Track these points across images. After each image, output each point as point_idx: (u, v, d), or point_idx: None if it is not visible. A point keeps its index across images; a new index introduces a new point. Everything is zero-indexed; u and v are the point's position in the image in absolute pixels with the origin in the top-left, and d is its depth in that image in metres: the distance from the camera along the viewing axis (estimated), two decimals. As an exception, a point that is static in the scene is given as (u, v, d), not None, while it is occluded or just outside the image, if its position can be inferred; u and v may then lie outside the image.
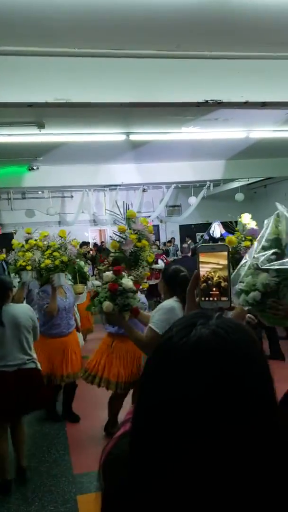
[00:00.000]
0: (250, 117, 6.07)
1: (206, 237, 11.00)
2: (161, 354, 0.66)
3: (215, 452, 0.60)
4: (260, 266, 1.96)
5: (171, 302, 2.68)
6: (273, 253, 2.01)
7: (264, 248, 2.07)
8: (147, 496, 0.63)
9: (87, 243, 11.17)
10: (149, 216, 14.49)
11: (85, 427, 4.34)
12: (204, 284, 0.92)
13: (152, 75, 4.08)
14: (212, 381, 0.61)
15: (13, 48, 3.71)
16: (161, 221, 15.88)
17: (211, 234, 10.80)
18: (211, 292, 0.91)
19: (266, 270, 1.96)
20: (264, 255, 2.01)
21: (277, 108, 4.66)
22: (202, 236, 12.65)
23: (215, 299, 0.91)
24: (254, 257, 2.05)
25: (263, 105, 4.37)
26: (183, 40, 3.86)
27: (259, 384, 0.63)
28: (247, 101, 4.26)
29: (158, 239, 15.31)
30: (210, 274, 0.92)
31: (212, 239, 10.32)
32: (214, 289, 0.91)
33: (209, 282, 0.92)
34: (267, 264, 1.96)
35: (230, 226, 5.55)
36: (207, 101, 4.18)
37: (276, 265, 1.95)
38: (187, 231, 15.34)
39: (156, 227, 16.42)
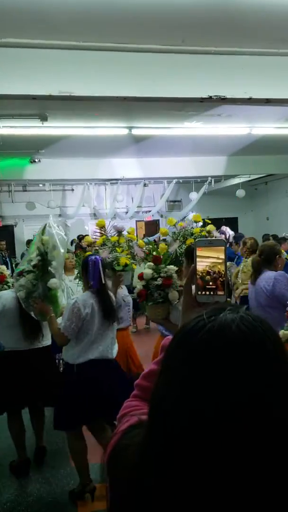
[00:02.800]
0: (253, 113, 6.06)
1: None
2: (188, 330, 0.67)
3: (237, 439, 0.60)
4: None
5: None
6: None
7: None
8: (157, 490, 0.64)
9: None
10: (150, 211, 14.51)
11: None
12: (201, 278, 0.93)
13: (156, 69, 4.08)
14: (236, 362, 0.62)
15: (18, 40, 3.70)
16: (161, 216, 15.85)
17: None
18: (207, 286, 0.92)
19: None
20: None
21: (281, 105, 4.65)
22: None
23: (212, 293, 0.92)
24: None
25: (267, 101, 4.37)
26: (188, 35, 3.85)
27: (279, 369, 0.64)
28: (251, 98, 4.26)
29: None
30: (207, 268, 0.93)
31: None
32: (210, 283, 0.92)
33: (206, 276, 0.92)
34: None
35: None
36: (210, 97, 4.18)
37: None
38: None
39: (157, 222, 16.43)
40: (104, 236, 4.27)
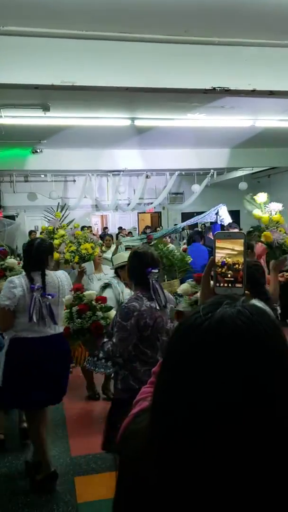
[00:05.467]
0: (256, 106, 6.01)
1: (218, 225, 9.89)
2: (186, 327, 0.68)
3: (235, 432, 0.61)
4: None
5: None
6: None
7: None
8: (164, 470, 0.65)
9: (88, 227, 11.15)
10: (151, 203, 14.48)
11: (85, 410, 4.40)
12: (220, 270, 0.93)
13: (159, 60, 4.04)
14: (233, 357, 0.62)
15: (20, 29, 3.67)
16: (163, 208, 15.83)
17: (220, 221, 9.96)
18: (226, 278, 0.93)
19: None
20: None
21: (284, 97, 4.61)
22: (204, 225, 12.31)
23: (230, 285, 0.92)
24: None
25: (271, 93, 4.33)
26: (192, 25, 3.81)
27: (278, 365, 0.64)
28: (255, 89, 4.22)
29: (160, 225, 15.27)
30: (225, 260, 0.93)
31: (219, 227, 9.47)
32: (229, 275, 0.92)
33: (225, 268, 0.93)
34: None
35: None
36: (214, 88, 4.14)
37: None
38: (189, 218, 15.29)
39: (158, 214, 16.41)
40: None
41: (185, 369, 0.64)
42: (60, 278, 3.17)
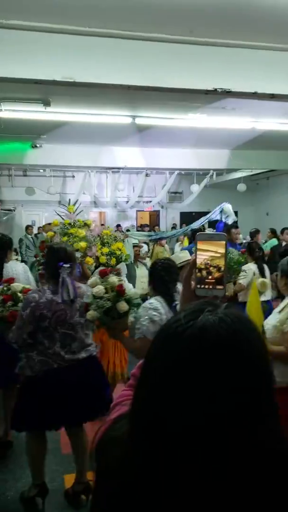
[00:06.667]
0: (257, 108, 6.01)
1: (221, 223, 9.23)
2: (166, 336, 0.67)
3: (223, 445, 0.60)
4: None
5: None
6: None
7: None
8: (142, 477, 0.64)
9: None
10: (150, 201, 14.47)
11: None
12: (200, 272, 0.92)
13: (162, 59, 4.03)
14: (214, 365, 0.62)
15: (22, 23, 3.65)
16: (162, 207, 15.82)
17: (224, 219, 9.30)
18: (206, 280, 0.92)
19: None
20: None
21: (286, 101, 4.61)
22: (203, 226, 12.13)
23: (211, 287, 0.91)
24: None
25: (272, 96, 4.33)
26: (196, 26, 3.80)
27: (258, 373, 0.64)
28: (256, 92, 4.22)
29: (158, 224, 15.26)
30: (206, 262, 0.92)
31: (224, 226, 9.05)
32: (210, 277, 0.92)
33: (206, 270, 0.92)
34: None
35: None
36: (216, 89, 4.14)
37: None
38: (187, 218, 15.30)
39: (157, 213, 16.39)
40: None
41: (168, 380, 0.63)
42: (16, 270, 3.25)
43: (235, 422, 0.61)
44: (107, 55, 3.93)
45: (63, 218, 4.22)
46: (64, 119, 6.80)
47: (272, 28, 3.84)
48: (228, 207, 8.65)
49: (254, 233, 8.29)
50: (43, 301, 2.57)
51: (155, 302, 2.57)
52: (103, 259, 3.64)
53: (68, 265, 2.62)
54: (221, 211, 9.61)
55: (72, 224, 4.09)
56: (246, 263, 4.57)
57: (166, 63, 4.04)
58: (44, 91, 5.28)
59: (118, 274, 3.48)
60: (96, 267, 3.78)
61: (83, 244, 3.84)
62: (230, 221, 7.90)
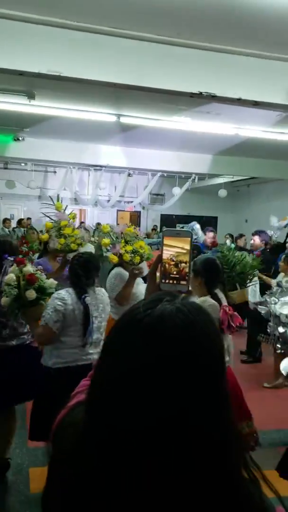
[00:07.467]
0: (241, 115, 6.09)
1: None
2: (124, 324, 0.68)
3: (168, 425, 0.61)
4: None
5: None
6: None
7: None
8: (93, 465, 0.64)
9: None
10: (132, 202, 14.47)
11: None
12: (165, 267, 0.95)
13: (149, 59, 4.05)
14: (170, 353, 0.62)
15: (8, 12, 3.60)
16: (143, 208, 15.85)
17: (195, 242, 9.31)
18: (171, 275, 0.94)
19: None
20: None
21: (268, 109, 4.70)
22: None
23: (175, 282, 0.94)
24: None
25: (255, 104, 4.40)
26: (184, 28, 3.83)
27: (213, 364, 0.65)
28: (240, 98, 4.28)
29: (139, 225, 15.27)
30: (172, 258, 0.95)
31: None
32: (174, 272, 0.94)
33: (170, 265, 0.95)
34: None
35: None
36: (201, 93, 4.18)
37: None
38: (168, 221, 15.38)
39: (138, 214, 16.41)
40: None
41: (123, 368, 0.64)
42: None
43: (191, 411, 0.61)
44: (94, 51, 3.92)
45: (53, 220, 4.06)
46: (48, 113, 6.74)
47: (259, 36, 3.90)
48: (197, 227, 8.74)
49: (237, 238, 8.65)
50: None
51: (64, 292, 2.70)
52: (127, 256, 3.53)
53: (11, 258, 2.78)
54: (192, 230, 9.66)
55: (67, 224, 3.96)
56: (259, 267, 4.48)
57: (153, 63, 4.06)
58: (29, 83, 5.23)
59: (140, 273, 3.52)
60: (116, 265, 3.71)
61: (106, 240, 3.82)
62: (200, 242, 7.93)
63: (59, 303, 2.62)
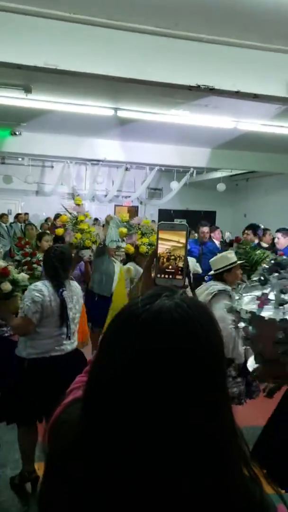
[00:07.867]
0: (240, 108, 6.05)
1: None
2: (122, 319, 0.68)
3: (166, 422, 0.60)
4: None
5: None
6: None
7: None
8: (91, 463, 0.63)
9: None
10: (129, 196, 14.41)
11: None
12: (161, 261, 0.93)
13: (147, 51, 4.00)
14: (168, 348, 0.62)
15: (6, 4, 3.55)
16: (141, 203, 15.80)
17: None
18: (167, 270, 0.93)
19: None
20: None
21: (268, 102, 4.65)
22: None
23: (170, 276, 0.92)
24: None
25: (255, 96, 4.36)
26: (182, 19, 3.78)
27: (212, 361, 0.64)
28: (239, 91, 4.24)
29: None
30: (167, 252, 0.93)
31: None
32: (170, 267, 0.92)
33: (166, 259, 0.93)
34: None
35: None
36: (199, 86, 4.13)
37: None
38: (166, 215, 15.35)
39: (136, 208, 16.36)
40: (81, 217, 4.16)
41: (120, 362, 0.63)
42: None
43: (189, 407, 0.60)
44: (91, 44, 3.87)
45: (70, 213, 4.14)
46: (45, 107, 6.68)
47: (257, 28, 3.85)
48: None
49: (258, 233, 8.15)
50: None
51: (41, 284, 2.74)
52: (143, 248, 3.61)
53: None
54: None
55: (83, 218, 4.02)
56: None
57: (150, 56, 4.01)
58: (25, 77, 5.17)
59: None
60: (128, 258, 3.69)
61: (123, 230, 3.84)
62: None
63: (37, 294, 2.66)
